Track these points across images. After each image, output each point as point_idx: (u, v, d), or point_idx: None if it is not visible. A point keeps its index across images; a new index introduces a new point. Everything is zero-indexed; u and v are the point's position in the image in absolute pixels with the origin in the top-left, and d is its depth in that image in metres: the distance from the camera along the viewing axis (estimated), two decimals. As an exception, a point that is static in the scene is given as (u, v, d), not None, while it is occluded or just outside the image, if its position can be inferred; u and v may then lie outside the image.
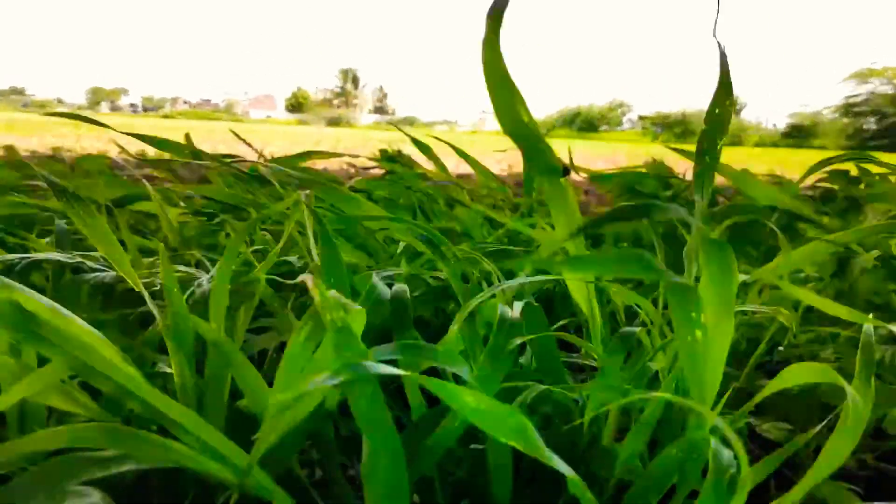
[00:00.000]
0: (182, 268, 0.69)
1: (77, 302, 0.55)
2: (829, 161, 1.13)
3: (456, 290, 0.58)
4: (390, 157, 1.93)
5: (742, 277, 0.58)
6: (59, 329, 0.32)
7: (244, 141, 1.67)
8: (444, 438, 0.42)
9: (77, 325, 0.35)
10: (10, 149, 4.30)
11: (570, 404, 0.50)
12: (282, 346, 0.73)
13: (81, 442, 0.35)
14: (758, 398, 0.44)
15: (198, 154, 1.15)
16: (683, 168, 1.84)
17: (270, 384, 0.60)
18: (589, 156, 10.61)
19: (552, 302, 0.95)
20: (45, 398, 0.35)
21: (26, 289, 0.34)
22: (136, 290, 0.43)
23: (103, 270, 0.57)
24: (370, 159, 1.89)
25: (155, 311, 0.45)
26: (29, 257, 0.51)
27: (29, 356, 0.42)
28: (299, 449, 0.44)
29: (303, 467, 0.59)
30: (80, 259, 0.57)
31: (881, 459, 0.66)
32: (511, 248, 1.02)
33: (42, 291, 0.59)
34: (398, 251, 0.93)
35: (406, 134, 1.63)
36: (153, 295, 0.52)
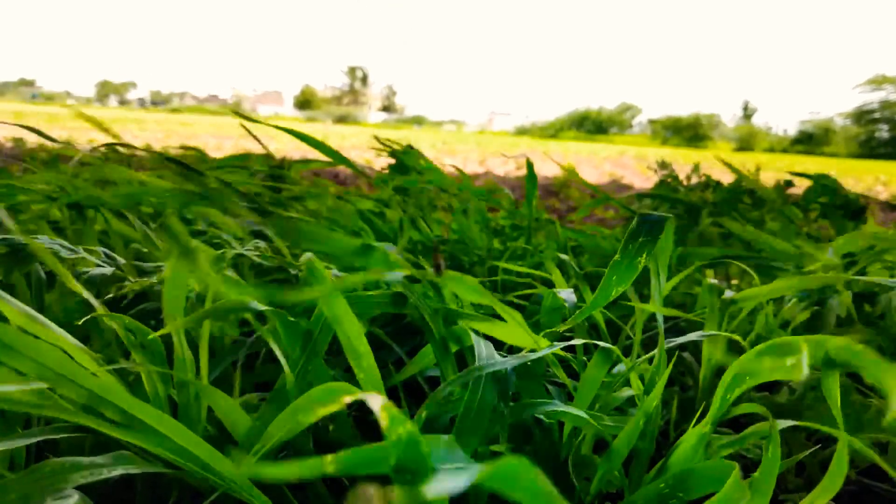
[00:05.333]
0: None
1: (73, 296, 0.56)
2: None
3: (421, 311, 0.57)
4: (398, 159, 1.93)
5: (727, 295, 0.58)
6: (30, 343, 0.33)
7: (255, 138, 1.67)
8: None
9: (52, 334, 0.35)
10: (19, 141, 4.30)
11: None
12: (271, 352, 0.74)
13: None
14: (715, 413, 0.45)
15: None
16: (688, 171, 1.84)
17: (259, 388, 0.61)
18: (597, 159, 10.60)
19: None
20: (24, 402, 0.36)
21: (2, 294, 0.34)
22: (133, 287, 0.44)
23: (102, 266, 0.58)
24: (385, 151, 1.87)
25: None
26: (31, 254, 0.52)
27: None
28: (275, 457, 0.45)
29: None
30: (83, 254, 0.58)
31: (864, 474, 0.67)
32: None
33: (42, 284, 0.60)
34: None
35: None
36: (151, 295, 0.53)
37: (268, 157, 1.27)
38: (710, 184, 1.55)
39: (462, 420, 0.40)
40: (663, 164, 1.77)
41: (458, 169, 1.44)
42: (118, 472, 0.35)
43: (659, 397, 0.43)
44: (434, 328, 0.48)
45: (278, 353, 0.44)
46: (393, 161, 1.54)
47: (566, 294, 0.61)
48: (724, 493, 0.25)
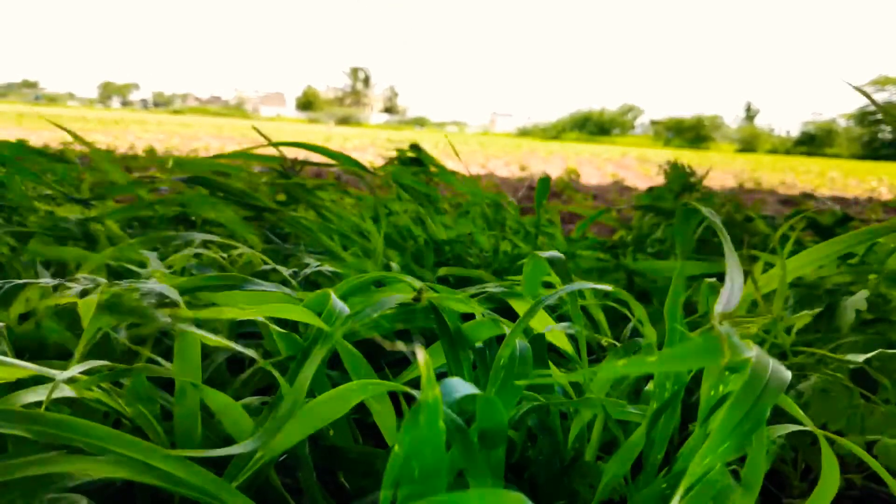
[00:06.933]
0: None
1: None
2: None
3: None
4: (405, 160, 1.91)
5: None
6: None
7: (266, 138, 1.67)
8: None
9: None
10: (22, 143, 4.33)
11: (555, 420, 0.50)
12: (271, 354, 0.74)
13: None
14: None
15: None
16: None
17: (258, 392, 0.61)
18: (599, 160, 10.58)
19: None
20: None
21: None
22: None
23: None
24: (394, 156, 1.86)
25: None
26: (12, 282, 0.52)
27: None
28: (274, 462, 0.45)
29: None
30: (60, 280, 0.58)
31: (870, 479, 0.66)
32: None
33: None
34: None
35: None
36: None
37: (282, 159, 1.28)
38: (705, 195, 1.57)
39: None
40: (675, 166, 1.75)
41: (459, 173, 1.44)
42: (111, 477, 0.35)
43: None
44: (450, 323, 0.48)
45: (272, 370, 0.44)
46: (396, 164, 1.55)
47: (553, 253, 0.59)
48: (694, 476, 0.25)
